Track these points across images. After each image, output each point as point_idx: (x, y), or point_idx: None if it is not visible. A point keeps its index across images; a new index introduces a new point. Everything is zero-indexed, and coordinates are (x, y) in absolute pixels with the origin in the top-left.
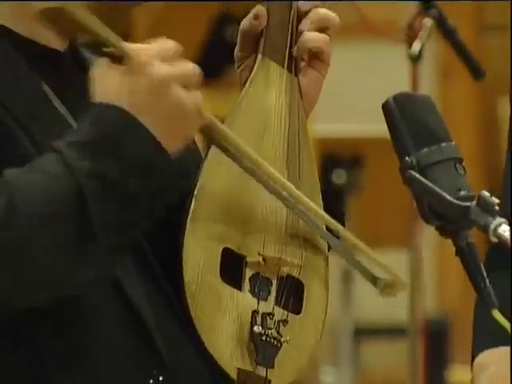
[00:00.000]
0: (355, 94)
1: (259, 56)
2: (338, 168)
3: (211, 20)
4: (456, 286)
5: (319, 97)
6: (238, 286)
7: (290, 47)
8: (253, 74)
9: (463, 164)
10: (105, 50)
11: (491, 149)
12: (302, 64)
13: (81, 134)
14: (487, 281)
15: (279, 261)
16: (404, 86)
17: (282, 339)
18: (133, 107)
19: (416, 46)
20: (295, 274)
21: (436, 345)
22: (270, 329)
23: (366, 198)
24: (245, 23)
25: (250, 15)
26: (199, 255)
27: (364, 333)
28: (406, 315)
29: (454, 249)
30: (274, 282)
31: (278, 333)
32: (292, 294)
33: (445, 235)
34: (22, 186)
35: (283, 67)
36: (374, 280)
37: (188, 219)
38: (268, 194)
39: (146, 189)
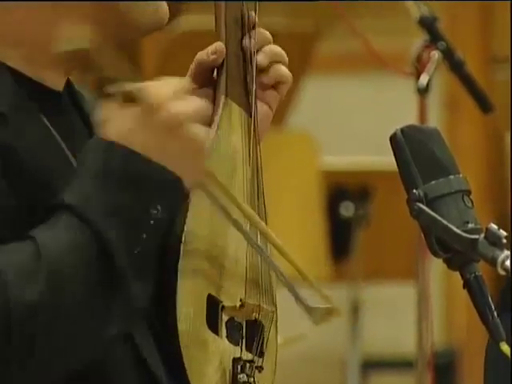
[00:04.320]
0: (363, 127)
1: (223, 97)
2: (345, 201)
3: None
4: (464, 318)
5: (325, 129)
6: (216, 331)
7: (246, 87)
8: (219, 115)
9: (471, 197)
10: (111, 89)
11: (498, 181)
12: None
13: (84, 173)
14: (495, 313)
15: (258, 308)
16: (411, 119)
17: None
18: (144, 147)
19: (423, 79)
20: (257, 316)
21: (444, 377)
22: (252, 376)
23: (374, 231)
24: (202, 56)
25: (208, 49)
26: (190, 303)
27: (372, 366)
28: (413, 348)
29: (461, 281)
30: (244, 326)
31: (254, 379)
32: (257, 337)
33: (452, 268)
34: (53, 259)
35: (242, 108)
36: (309, 311)
37: (179, 266)
38: (243, 240)
39: (160, 222)
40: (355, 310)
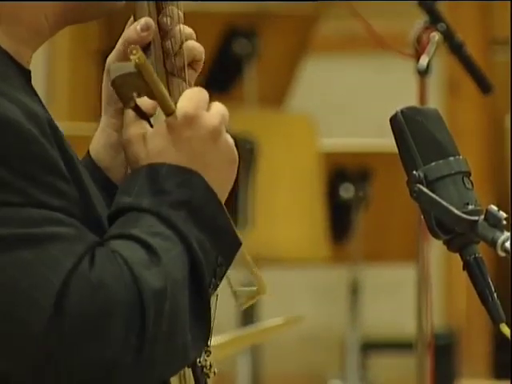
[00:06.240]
0: (363, 108)
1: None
2: (345, 182)
3: (218, 34)
4: (463, 300)
5: (325, 110)
6: None
7: (165, 65)
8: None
9: (471, 178)
10: (134, 104)
11: (498, 163)
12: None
13: (172, 195)
14: (495, 295)
15: None
16: (411, 100)
17: (212, 370)
18: (195, 165)
19: (423, 60)
20: None
21: (444, 359)
22: (206, 360)
23: (374, 213)
24: (131, 33)
25: (137, 26)
26: None
27: (372, 347)
28: (413, 329)
29: (461, 263)
30: None
31: (210, 364)
32: None
33: (452, 249)
34: (171, 268)
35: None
36: (234, 294)
37: None
38: None
39: (217, 250)
40: (355, 291)
